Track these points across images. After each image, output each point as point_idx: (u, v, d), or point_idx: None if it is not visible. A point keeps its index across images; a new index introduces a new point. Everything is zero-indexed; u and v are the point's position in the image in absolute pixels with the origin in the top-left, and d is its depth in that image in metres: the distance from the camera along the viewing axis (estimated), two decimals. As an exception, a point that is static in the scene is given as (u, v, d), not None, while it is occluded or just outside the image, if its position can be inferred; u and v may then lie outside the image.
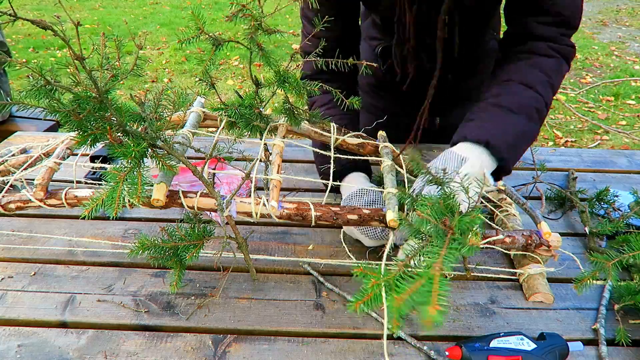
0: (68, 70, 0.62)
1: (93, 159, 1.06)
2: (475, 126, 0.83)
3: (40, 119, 2.14)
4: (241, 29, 0.66)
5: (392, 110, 1.17)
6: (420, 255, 0.60)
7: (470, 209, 0.67)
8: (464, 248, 0.58)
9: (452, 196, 0.65)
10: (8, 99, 0.60)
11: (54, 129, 2.11)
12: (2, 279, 0.80)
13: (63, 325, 0.72)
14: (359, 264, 0.57)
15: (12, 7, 0.51)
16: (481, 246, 0.75)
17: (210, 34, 0.70)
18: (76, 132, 0.62)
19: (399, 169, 0.87)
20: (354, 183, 0.91)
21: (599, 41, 5.02)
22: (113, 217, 0.60)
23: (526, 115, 0.84)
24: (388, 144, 0.92)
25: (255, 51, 0.71)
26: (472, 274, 0.82)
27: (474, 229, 0.60)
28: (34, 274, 0.81)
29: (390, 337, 0.72)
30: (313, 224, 0.76)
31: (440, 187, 0.67)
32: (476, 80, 1.14)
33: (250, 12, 0.67)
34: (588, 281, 0.71)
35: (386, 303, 0.51)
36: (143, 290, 0.78)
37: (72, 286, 0.79)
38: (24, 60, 0.60)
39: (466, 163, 0.78)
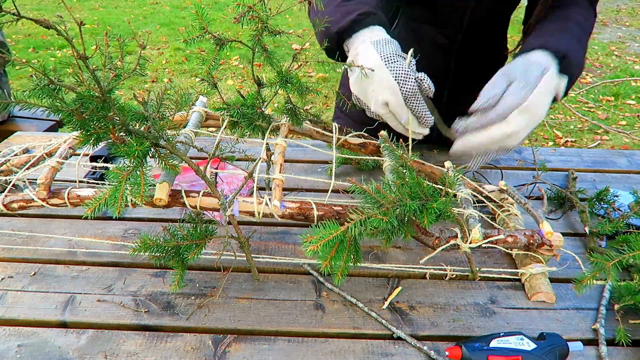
0: (69, 70, 0.62)
1: (93, 158, 1.06)
2: (553, 38, 0.79)
3: (41, 119, 2.14)
4: (242, 29, 0.66)
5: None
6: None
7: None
8: (376, 220, 0.62)
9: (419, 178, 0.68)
10: (10, 99, 0.60)
11: (54, 129, 2.11)
12: (2, 279, 0.80)
13: (63, 325, 0.72)
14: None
15: (15, 6, 0.51)
16: (483, 245, 0.75)
17: (214, 34, 0.70)
18: (79, 131, 0.62)
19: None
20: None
21: (599, 41, 5.02)
22: (115, 216, 0.61)
23: (586, 35, 0.84)
24: (389, 143, 0.92)
25: (259, 52, 0.72)
26: (478, 275, 0.82)
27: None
28: (34, 274, 0.81)
29: (390, 337, 0.72)
30: (316, 223, 0.76)
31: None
32: (469, 101, 1.15)
33: (257, 14, 0.67)
34: (588, 282, 0.71)
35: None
36: (143, 290, 0.78)
37: (72, 286, 0.79)
38: (24, 60, 0.61)
39: (547, 73, 0.75)
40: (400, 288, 0.80)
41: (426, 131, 0.80)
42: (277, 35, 0.71)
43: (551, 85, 0.75)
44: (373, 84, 0.76)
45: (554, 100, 0.79)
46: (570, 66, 0.77)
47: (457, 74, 1.11)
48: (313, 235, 0.61)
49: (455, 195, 0.78)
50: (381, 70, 0.74)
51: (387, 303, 0.77)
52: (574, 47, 0.79)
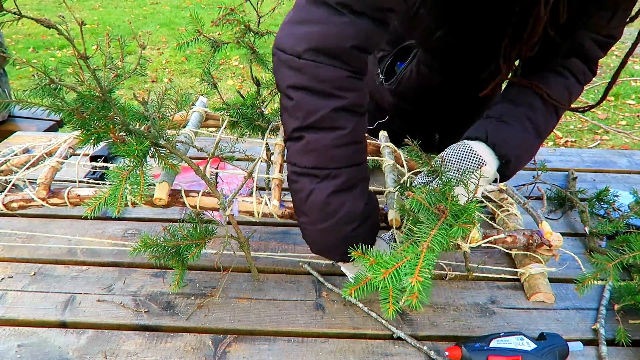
0: (69, 70, 0.62)
1: (93, 159, 1.06)
2: (504, 134, 0.78)
3: (40, 119, 2.14)
4: (231, 35, 0.66)
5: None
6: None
7: (468, 201, 0.67)
8: (455, 229, 0.59)
9: (449, 185, 0.65)
10: (9, 98, 0.60)
11: (53, 129, 2.11)
12: (2, 279, 0.80)
13: (63, 325, 0.72)
14: (356, 249, 0.58)
15: (16, 5, 0.51)
16: (482, 245, 0.75)
17: (209, 36, 0.70)
18: (79, 131, 0.62)
19: (400, 168, 0.87)
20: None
21: (599, 41, 5.01)
22: (115, 215, 0.61)
23: (542, 140, 0.83)
24: (389, 143, 0.92)
25: (256, 53, 0.72)
26: (473, 274, 0.82)
27: (469, 215, 0.62)
28: (34, 274, 0.81)
29: (390, 337, 0.72)
30: None
31: (438, 177, 0.68)
32: (477, 103, 1.14)
33: (236, 17, 0.67)
34: (589, 283, 0.71)
35: (376, 280, 0.53)
36: (143, 290, 0.78)
37: (72, 286, 0.79)
38: (24, 60, 0.61)
39: (485, 167, 0.76)
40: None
41: None
42: (267, 35, 0.71)
43: (488, 177, 0.77)
44: None
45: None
46: (508, 170, 0.79)
47: (451, 116, 1.11)
48: (384, 266, 0.54)
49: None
50: None
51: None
52: (525, 149, 0.80)
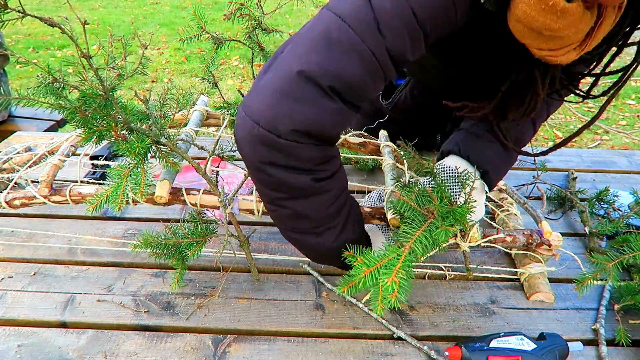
0: (69, 70, 0.62)
1: (93, 159, 1.06)
2: (475, 145, 0.78)
3: (40, 119, 2.14)
4: (241, 29, 0.66)
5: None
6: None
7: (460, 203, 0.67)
8: (438, 231, 0.59)
9: (442, 187, 0.65)
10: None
11: (53, 129, 2.10)
12: (2, 279, 0.80)
13: (63, 325, 0.72)
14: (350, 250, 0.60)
15: (20, 3, 0.51)
16: (482, 245, 0.75)
17: (212, 34, 0.70)
18: (82, 129, 0.62)
19: (400, 167, 0.87)
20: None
21: (599, 41, 5.01)
22: (116, 213, 0.61)
23: (516, 152, 0.82)
24: (389, 143, 0.92)
25: (256, 51, 0.72)
26: (472, 274, 0.82)
27: (458, 217, 0.62)
28: (34, 274, 0.81)
29: (390, 337, 0.72)
30: None
31: (432, 178, 0.68)
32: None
33: (248, 12, 0.67)
34: (589, 282, 0.71)
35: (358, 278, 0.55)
36: (143, 290, 0.78)
37: (72, 286, 0.79)
38: (26, 59, 0.61)
39: (463, 174, 0.74)
40: None
41: None
42: (272, 33, 0.72)
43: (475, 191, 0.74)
44: None
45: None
46: (489, 181, 0.78)
47: (451, 119, 1.11)
48: (367, 264, 0.56)
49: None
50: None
51: (366, 297, 0.77)
52: (498, 164, 0.79)
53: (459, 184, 0.73)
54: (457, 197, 0.72)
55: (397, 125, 1.15)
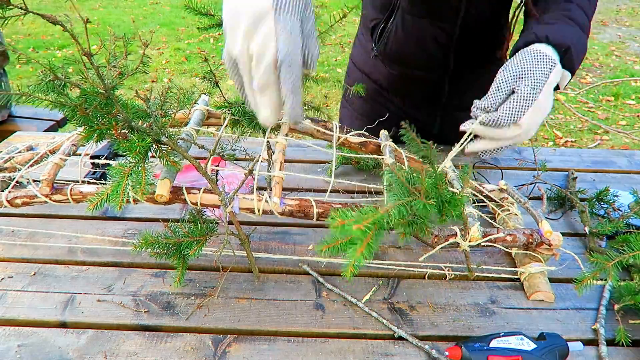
0: (70, 69, 0.62)
1: (94, 158, 1.06)
2: (556, 29, 0.77)
3: (40, 119, 2.14)
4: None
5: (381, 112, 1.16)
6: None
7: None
8: (417, 201, 0.59)
9: (439, 174, 0.65)
10: (10, 99, 0.60)
11: (53, 129, 2.11)
12: (2, 279, 0.80)
13: (63, 325, 0.72)
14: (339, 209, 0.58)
15: (23, 1, 0.51)
16: (482, 244, 0.75)
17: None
18: (82, 127, 0.62)
19: (401, 166, 0.87)
20: None
21: (599, 41, 5.02)
22: (117, 212, 0.61)
23: (587, 35, 0.82)
24: (390, 142, 0.92)
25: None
26: (474, 274, 0.82)
27: (445, 200, 0.61)
28: (34, 274, 0.81)
29: (390, 337, 0.72)
30: (315, 220, 0.76)
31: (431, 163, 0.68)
32: (476, 72, 1.14)
33: None
34: (589, 282, 0.71)
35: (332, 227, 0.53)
36: (143, 290, 0.78)
37: (72, 286, 0.79)
38: (28, 56, 0.61)
39: (555, 68, 0.73)
40: (375, 287, 0.80)
41: (267, 123, 0.62)
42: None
43: (556, 80, 0.74)
44: (247, 20, 0.55)
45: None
46: (572, 61, 0.75)
47: (456, 68, 1.10)
48: (346, 219, 0.54)
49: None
50: (268, 16, 0.55)
51: (366, 297, 0.77)
52: (577, 39, 0.77)
53: (543, 68, 0.72)
54: (542, 84, 0.70)
55: (398, 100, 1.15)
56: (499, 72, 0.75)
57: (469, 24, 1.02)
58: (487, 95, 0.74)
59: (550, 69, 0.72)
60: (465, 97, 1.18)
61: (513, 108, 0.71)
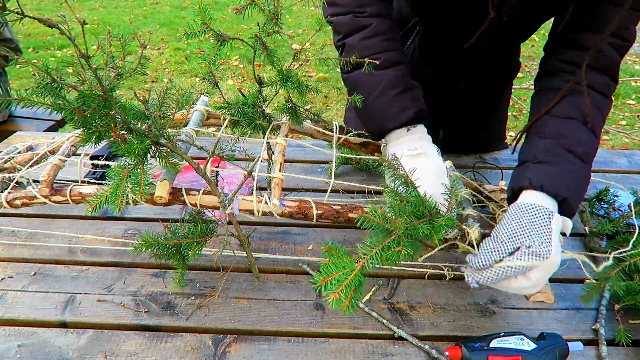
0: (69, 70, 0.62)
1: (93, 159, 1.06)
2: (553, 174, 0.72)
3: (40, 119, 2.14)
4: (242, 30, 0.66)
5: None
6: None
7: (443, 216, 0.65)
8: (390, 253, 0.60)
9: (423, 201, 0.65)
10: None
11: (53, 129, 2.11)
12: (2, 279, 0.80)
13: (63, 325, 0.72)
14: (328, 244, 0.61)
15: (19, 4, 0.51)
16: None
17: (216, 30, 0.70)
18: (81, 129, 0.62)
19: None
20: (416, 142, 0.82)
21: (599, 41, 5.01)
22: (116, 214, 0.61)
23: (590, 164, 0.78)
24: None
25: (259, 50, 0.72)
26: None
27: (422, 234, 0.62)
28: (34, 274, 0.81)
29: (390, 337, 0.72)
30: (314, 221, 0.76)
31: (412, 189, 0.68)
32: (485, 96, 1.14)
33: (263, 5, 0.67)
34: (593, 292, 0.72)
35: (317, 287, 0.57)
36: (143, 290, 0.78)
37: (72, 286, 0.79)
38: (24, 60, 0.61)
39: (553, 220, 0.68)
40: (375, 287, 0.80)
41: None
42: (275, 34, 0.71)
43: (559, 228, 0.68)
44: (427, 177, 0.76)
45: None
46: (570, 208, 0.71)
47: (466, 92, 1.11)
48: (327, 273, 0.58)
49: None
50: (444, 177, 0.78)
51: (366, 297, 0.77)
52: (576, 182, 0.73)
53: (537, 223, 0.67)
54: (534, 240, 0.65)
55: None
56: (494, 231, 0.70)
57: (484, 55, 1.02)
58: (479, 254, 0.68)
59: (549, 220, 0.67)
60: (471, 117, 1.17)
61: (523, 261, 0.65)
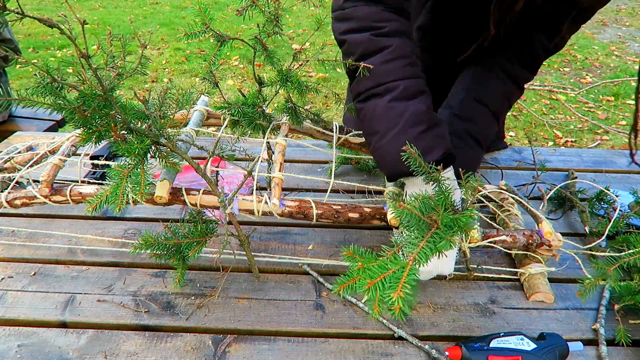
0: (69, 70, 0.62)
1: (93, 159, 1.06)
2: (463, 152, 0.84)
3: (41, 119, 2.14)
4: (242, 30, 0.66)
5: None
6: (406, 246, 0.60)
7: (464, 209, 0.66)
8: (442, 242, 0.58)
9: (447, 194, 0.64)
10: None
11: (53, 129, 2.11)
12: (2, 279, 0.80)
13: (63, 325, 0.72)
14: (349, 249, 0.58)
15: (19, 4, 0.51)
16: (483, 245, 0.75)
17: (216, 30, 0.70)
18: (81, 129, 0.62)
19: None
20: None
21: (599, 41, 5.01)
22: (116, 214, 0.61)
23: (484, 148, 0.91)
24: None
25: (259, 51, 0.72)
26: (473, 274, 0.82)
27: (462, 225, 0.61)
28: (34, 274, 0.81)
29: (390, 337, 0.72)
30: (314, 221, 0.76)
31: (436, 184, 0.67)
32: None
33: (264, 6, 0.67)
34: (591, 287, 0.71)
35: (362, 289, 0.53)
36: (143, 290, 0.78)
37: (72, 286, 0.79)
38: (24, 60, 0.61)
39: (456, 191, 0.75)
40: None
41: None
42: (275, 35, 0.72)
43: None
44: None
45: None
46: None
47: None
48: (366, 276, 0.55)
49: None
50: None
51: (366, 297, 0.77)
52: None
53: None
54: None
55: None
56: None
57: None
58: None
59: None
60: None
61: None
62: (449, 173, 0.76)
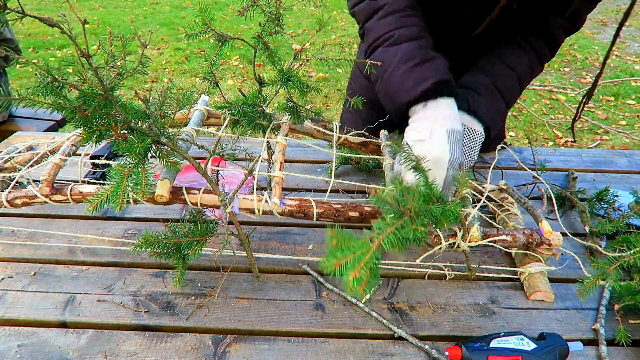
0: (70, 69, 0.62)
1: (94, 158, 1.06)
2: (485, 105, 0.88)
3: (41, 119, 2.14)
4: (242, 30, 0.66)
5: None
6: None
7: (452, 201, 0.66)
8: (406, 229, 0.59)
9: (430, 184, 0.64)
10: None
11: (53, 129, 2.11)
12: (2, 279, 0.80)
13: (63, 325, 0.72)
14: (333, 228, 0.58)
15: (20, 4, 0.51)
16: (483, 244, 0.75)
17: (217, 30, 0.70)
18: (82, 128, 0.62)
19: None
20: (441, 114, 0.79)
21: (599, 41, 5.02)
22: (117, 213, 0.61)
23: (508, 108, 0.96)
24: (390, 142, 0.92)
25: (260, 50, 0.72)
26: (475, 274, 0.82)
27: (434, 215, 0.61)
28: (34, 274, 0.81)
29: (390, 337, 0.72)
30: (315, 220, 0.76)
31: (419, 173, 0.67)
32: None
33: (265, 6, 0.67)
34: (591, 286, 0.71)
35: (329, 270, 0.54)
36: (143, 290, 0.78)
37: (72, 286, 0.79)
38: (24, 59, 0.61)
39: (481, 137, 0.86)
40: (375, 287, 0.80)
41: None
42: (276, 35, 0.72)
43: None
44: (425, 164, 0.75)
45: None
46: (488, 132, 0.88)
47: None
48: (339, 255, 0.55)
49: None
50: (441, 170, 0.75)
51: (366, 297, 0.77)
52: (495, 120, 0.90)
53: (473, 141, 0.85)
54: (470, 153, 0.84)
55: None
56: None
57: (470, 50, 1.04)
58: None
59: (479, 140, 0.87)
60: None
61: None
62: (450, 106, 0.80)
